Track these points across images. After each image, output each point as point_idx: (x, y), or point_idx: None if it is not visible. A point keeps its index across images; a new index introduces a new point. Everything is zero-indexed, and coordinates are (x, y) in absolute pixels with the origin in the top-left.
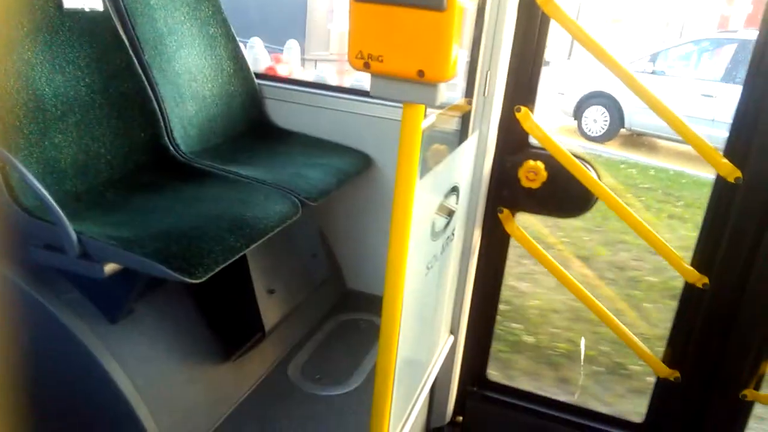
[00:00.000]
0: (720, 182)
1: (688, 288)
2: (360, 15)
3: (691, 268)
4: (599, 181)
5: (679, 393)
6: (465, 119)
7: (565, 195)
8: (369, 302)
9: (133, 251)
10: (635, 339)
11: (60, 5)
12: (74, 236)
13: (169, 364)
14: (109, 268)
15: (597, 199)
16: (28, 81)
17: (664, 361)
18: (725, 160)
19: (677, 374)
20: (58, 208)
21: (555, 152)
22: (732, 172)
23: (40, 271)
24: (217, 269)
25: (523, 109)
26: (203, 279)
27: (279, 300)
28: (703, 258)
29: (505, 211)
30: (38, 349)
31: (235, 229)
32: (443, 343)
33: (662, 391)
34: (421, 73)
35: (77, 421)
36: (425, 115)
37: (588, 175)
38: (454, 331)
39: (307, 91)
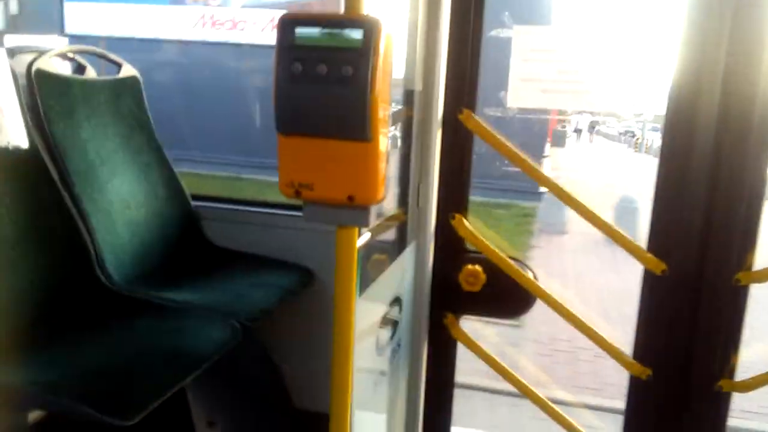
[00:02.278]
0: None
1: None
2: (288, 146)
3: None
4: (536, 281)
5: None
6: (401, 228)
7: (506, 297)
8: (319, 421)
9: (58, 396)
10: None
11: None
12: None
13: None
14: (33, 416)
15: (536, 299)
16: None
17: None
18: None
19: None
20: None
21: (491, 256)
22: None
23: None
24: (151, 408)
25: (457, 216)
26: (136, 420)
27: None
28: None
29: (450, 316)
30: None
31: (171, 361)
32: None
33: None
34: (351, 198)
35: None
36: (359, 234)
37: (525, 277)
38: None
39: (243, 210)
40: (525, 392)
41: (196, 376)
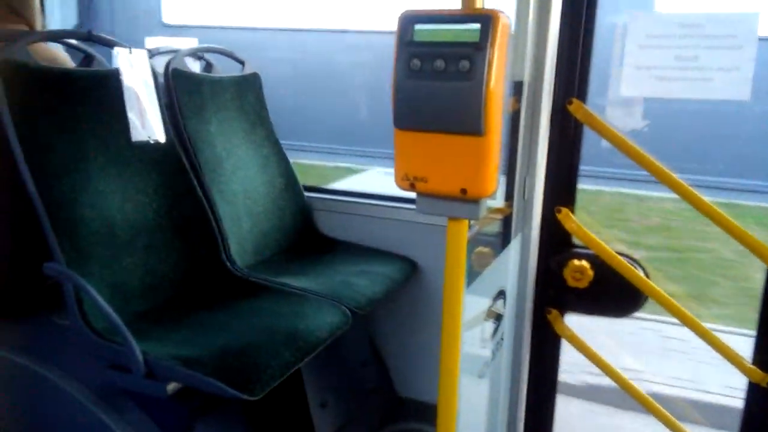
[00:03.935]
0: None
1: None
2: (404, 141)
3: None
4: (648, 279)
5: None
6: (507, 222)
7: (614, 294)
8: (421, 410)
9: (195, 370)
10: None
11: (129, 140)
12: (141, 357)
13: None
14: (172, 387)
15: (647, 297)
16: (102, 210)
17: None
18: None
19: None
20: (127, 331)
21: (600, 252)
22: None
23: (105, 390)
24: (274, 385)
25: (564, 210)
26: (261, 395)
27: (332, 412)
28: None
29: (554, 312)
30: None
31: (290, 343)
32: None
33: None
34: (464, 191)
35: None
36: (469, 227)
37: (636, 274)
38: None
39: (353, 201)
40: (642, 401)
41: (310, 358)
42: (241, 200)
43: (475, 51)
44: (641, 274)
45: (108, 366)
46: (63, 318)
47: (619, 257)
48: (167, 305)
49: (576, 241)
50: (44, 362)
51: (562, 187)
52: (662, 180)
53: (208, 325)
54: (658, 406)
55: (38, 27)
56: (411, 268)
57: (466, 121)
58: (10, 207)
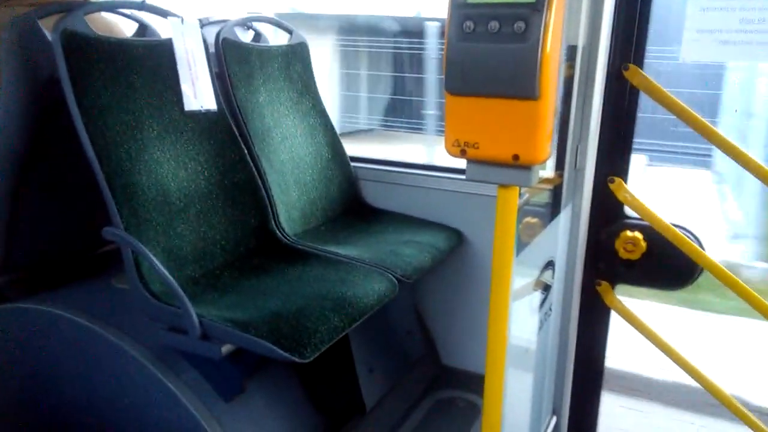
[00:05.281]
0: None
1: None
2: (455, 106)
3: None
4: (704, 250)
5: None
6: (557, 192)
7: (668, 266)
8: (465, 379)
9: (248, 333)
10: None
11: (182, 109)
12: (196, 319)
13: None
14: (225, 348)
15: (702, 270)
16: (157, 178)
17: None
18: None
19: None
20: (183, 294)
21: (654, 222)
22: None
23: (162, 351)
24: (324, 348)
25: (617, 179)
26: (311, 359)
27: (378, 378)
28: None
29: (604, 283)
30: (160, 426)
31: (338, 309)
32: (545, 424)
33: None
34: (516, 157)
35: None
36: (519, 195)
37: (692, 246)
38: (556, 411)
39: (398, 171)
40: (701, 380)
41: (358, 324)
42: (289, 169)
43: (532, 12)
44: (697, 245)
45: (165, 328)
46: (121, 281)
47: (674, 228)
48: (219, 270)
49: (628, 211)
50: (105, 323)
51: (615, 157)
52: (725, 150)
53: (258, 290)
54: (714, 383)
55: None
56: (457, 238)
57: (520, 84)
58: (69, 176)
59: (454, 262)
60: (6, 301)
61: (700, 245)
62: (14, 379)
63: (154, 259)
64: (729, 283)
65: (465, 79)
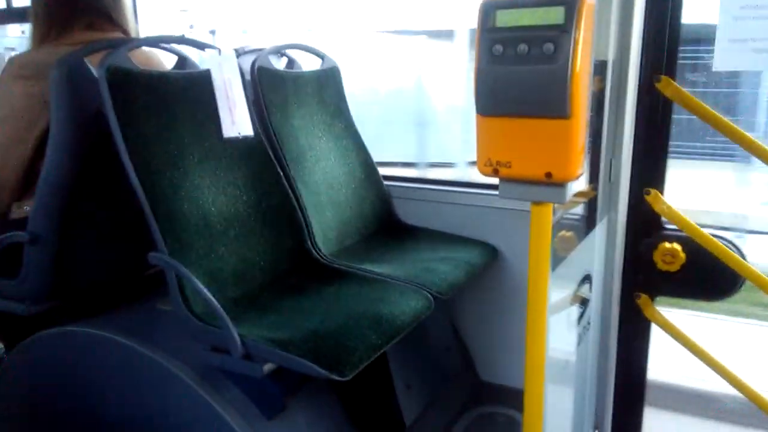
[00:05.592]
0: None
1: None
2: (486, 126)
3: None
4: (746, 261)
5: None
6: (591, 205)
7: (709, 277)
8: (504, 395)
9: (289, 352)
10: None
11: (221, 136)
12: (238, 339)
13: None
14: (267, 367)
15: (744, 280)
16: (198, 203)
17: None
18: None
19: None
20: (225, 315)
21: (693, 233)
22: None
23: (205, 370)
24: (362, 366)
25: (653, 191)
26: (350, 376)
27: (417, 395)
28: None
29: (643, 296)
30: None
31: (376, 327)
32: None
33: None
34: (549, 174)
35: None
36: (553, 212)
37: (733, 256)
38: (599, 425)
39: (431, 189)
40: (746, 392)
41: (395, 341)
42: (323, 190)
43: (561, 33)
44: (738, 256)
45: (208, 348)
46: (165, 304)
47: (715, 239)
48: (258, 291)
49: (665, 223)
50: (150, 344)
51: (650, 168)
52: (761, 157)
53: (297, 309)
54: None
55: (132, 34)
56: (492, 253)
57: (551, 104)
58: (115, 205)
59: (489, 278)
60: (56, 325)
61: (742, 255)
62: (63, 399)
63: (197, 281)
64: None
65: (496, 100)
